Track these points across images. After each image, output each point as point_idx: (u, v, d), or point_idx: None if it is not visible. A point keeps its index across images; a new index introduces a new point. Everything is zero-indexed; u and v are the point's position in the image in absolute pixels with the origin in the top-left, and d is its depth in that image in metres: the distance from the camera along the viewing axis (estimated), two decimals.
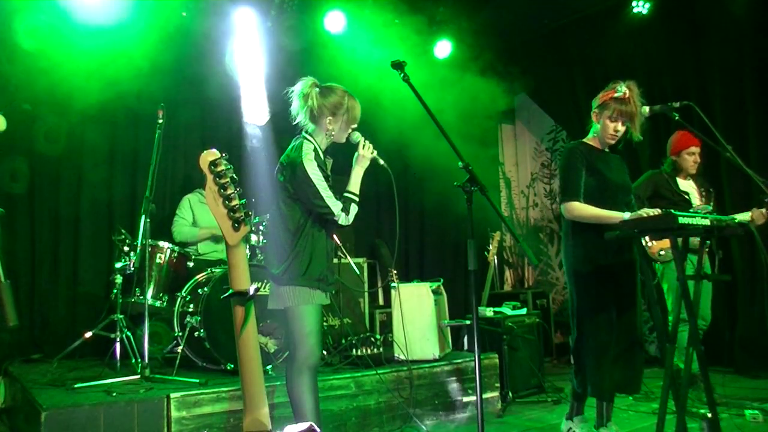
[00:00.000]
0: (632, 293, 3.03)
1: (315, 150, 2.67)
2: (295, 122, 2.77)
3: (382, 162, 2.76)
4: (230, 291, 2.27)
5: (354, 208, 2.68)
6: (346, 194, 2.70)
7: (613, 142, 3.11)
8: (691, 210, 3.31)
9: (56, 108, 4.52)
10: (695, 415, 3.17)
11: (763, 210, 3.62)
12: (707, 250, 3.42)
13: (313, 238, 2.66)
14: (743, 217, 3.74)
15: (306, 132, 2.75)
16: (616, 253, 3.00)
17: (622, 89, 3.00)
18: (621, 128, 3.06)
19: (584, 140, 3.19)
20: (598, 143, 3.16)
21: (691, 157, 4.32)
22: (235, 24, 5.25)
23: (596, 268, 2.98)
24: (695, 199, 4.30)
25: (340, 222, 2.64)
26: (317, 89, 2.72)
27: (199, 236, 4.63)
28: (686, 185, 4.37)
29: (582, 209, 2.99)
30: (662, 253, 4.32)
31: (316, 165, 2.62)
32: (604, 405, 3.10)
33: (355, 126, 2.77)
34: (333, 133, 2.72)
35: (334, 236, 2.89)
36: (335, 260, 3.03)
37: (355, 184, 2.72)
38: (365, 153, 2.72)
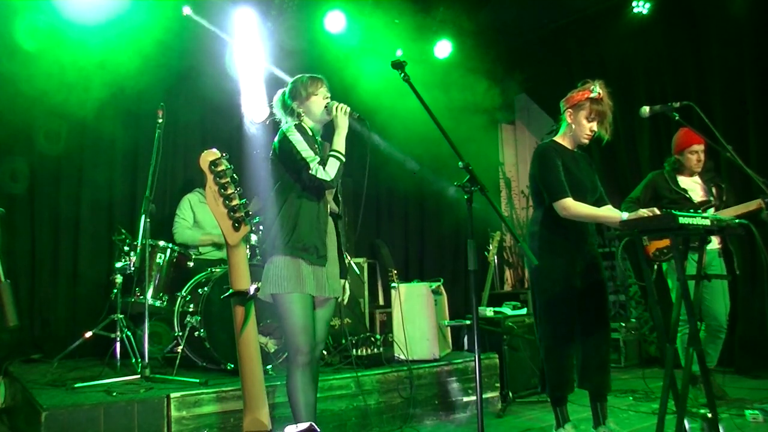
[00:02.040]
0: (602, 310, 3.04)
1: (297, 125, 2.74)
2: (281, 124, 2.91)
3: (356, 114, 2.79)
4: (230, 291, 2.27)
5: (334, 163, 2.68)
6: (329, 152, 2.73)
7: (587, 141, 3.11)
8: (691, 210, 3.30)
9: (56, 108, 4.51)
10: (695, 415, 3.16)
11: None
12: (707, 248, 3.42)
13: (300, 206, 2.65)
14: (751, 206, 3.77)
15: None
16: (583, 276, 3.00)
17: (597, 89, 3.00)
18: (596, 128, 3.06)
19: (555, 139, 3.18)
20: (568, 143, 3.14)
21: (694, 156, 4.29)
22: (236, 23, 5.26)
23: (563, 285, 2.98)
24: (697, 196, 4.27)
25: (318, 176, 2.61)
26: (280, 93, 2.92)
27: (200, 242, 4.62)
28: (689, 182, 4.33)
29: (577, 207, 2.93)
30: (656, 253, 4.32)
31: (295, 131, 2.69)
32: (599, 404, 3.09)
33: (327, 98, 2.84)
34: (304, 112, 2.81)
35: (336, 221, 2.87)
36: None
37: (337, 143, 2.75)
38: (338, 114, 2.77)
